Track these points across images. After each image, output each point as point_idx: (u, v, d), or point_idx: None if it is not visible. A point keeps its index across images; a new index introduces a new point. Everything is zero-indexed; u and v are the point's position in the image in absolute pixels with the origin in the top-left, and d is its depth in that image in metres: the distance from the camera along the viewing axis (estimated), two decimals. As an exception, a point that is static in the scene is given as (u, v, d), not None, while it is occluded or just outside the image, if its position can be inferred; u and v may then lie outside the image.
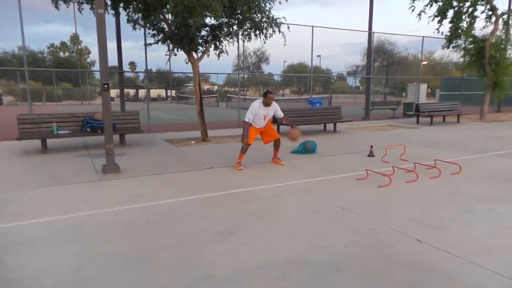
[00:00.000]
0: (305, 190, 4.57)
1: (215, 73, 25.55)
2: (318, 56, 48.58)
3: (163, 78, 44.77)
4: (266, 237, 3.16)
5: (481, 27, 27.23)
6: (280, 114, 6.00)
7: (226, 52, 9.01)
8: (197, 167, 5.88)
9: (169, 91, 45.76)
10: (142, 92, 44.40)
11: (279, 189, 4.62)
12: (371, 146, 6.95)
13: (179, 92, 44.84)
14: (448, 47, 14.58)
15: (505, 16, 13.97)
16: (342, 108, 11.40)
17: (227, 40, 8.79)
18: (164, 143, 8.44)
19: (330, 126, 11.15)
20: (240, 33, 8.53)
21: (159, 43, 8.39)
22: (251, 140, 5.86)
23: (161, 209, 3.86)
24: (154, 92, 45.63)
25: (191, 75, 8.99)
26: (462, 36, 13.93)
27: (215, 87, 47.25)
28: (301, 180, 5.04)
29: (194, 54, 8.45)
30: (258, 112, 5.78)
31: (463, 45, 14.67)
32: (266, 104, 5.80)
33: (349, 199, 4.21)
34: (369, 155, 6.80)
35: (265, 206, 3.96)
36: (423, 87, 25.06)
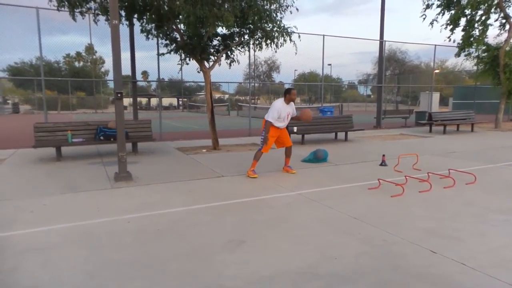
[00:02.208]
0: (316, 199, 4.54)
1: (226, 82, 25.75)
2: (329, 65, 48.64)
3: (175, 87, 45.31)
4: (277, 247, 3.13)
5: (495, 35, 26.90)
6: (295, 113, 6.05)
7: (238, 61, 9.08)
8: (208, 176, 5.89)
9: (180, 99, 46.24)
10: (154, 101, 44.91)
11: (290, 198, 4.59)
12: (383, 155, 6.87)
13: (191, 101, 45.25)
14: (459, 55, 14.43)
15: (519, 24, 13.78)
16: (353, 116, 11.32)
17: (239, 49, 8.87)
18: (175, 151, 8.49)
19: (341, 135, 11.09)
20: (251, 43, 8.60)
21: (172, 52, 8.51)
22: (269, 147, 5.82)
23: (172, 217, 3.87)
24: (166, 101, 46.14)
25: (203, 84, 9.09)
26: (474, 44, 13.77)
27: (226, 96, 47.57)
28: (312, 189, 5.01)
29: (205, 63, 8.53)
30: (281, 111, 5.74)
31: (476, 53, 14.50)
32: (289, 100, 5.80)
33: (361, 209, 4.16)
34: (381, 164, 6.73)
35: (276, 215, 3.94)
36: (436, 96, 24.79)
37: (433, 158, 7.49)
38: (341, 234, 3.42)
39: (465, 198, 4.59)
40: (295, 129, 9.39)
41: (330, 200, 4.49)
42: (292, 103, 5.90)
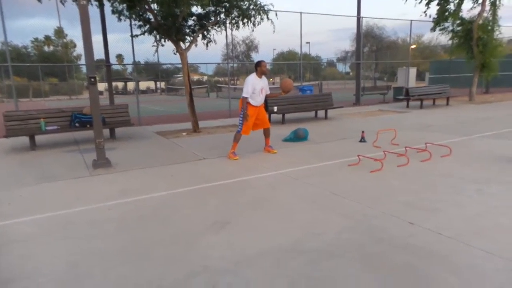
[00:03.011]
0: (298, 177, 4.59)
1: (204, 63, 25.33)
2: (307, 43, 48.24)
3: (152, 70, 44.19)
4: (261, 226, 3.17)
5: (468, 8, 27.26)
6: (268, 90, 5.98)
7: (214, 41, 8.90)
8: (189, 159, 5.85)
9: (158, 83, 45.29)
10: (130, 85, 43.85)
11: (272, 178, 4.62)
12: (363, 132, 6.98)
13: (169, 84, 44.42)
14: (434, 30, 14.59)
15: (492, -3, 14.00)
16: (333, 94, 11.39)
17: (215, 29, 8.69)
18: (155, 136, 8.37)
19: (321, 113, 11.17)
20: (227, 22, 8.42)
21: (146, 34, 8.25)
22: (249, 128, 5.77)
23: (154, 203, 3.85)
24: (143, 85, 45.13)
25: (180, 66, 8.89)
26: (449, 18, 13.93)
27: (205, 78, 46.88)
28: (294, 168, 5.05)
29: (181, 44, 8.33)
30: (255, 85, 5.66)
31: (451, 28, 14.69)
32: (261, 73, 5.73)
33: (342, 185, 4.24)
34: (360, 141, 6.83)
35: (259, 196, 3.96)
36: (413, 71, 25.13)
37: (410, 133, 7.66)
38: (323, 210, 3.48)
39: (441, 171, 4.74)
40: (275, 108, 9.39)
41: (312, 178, 4.55)
42: (264, 78, 5.84)
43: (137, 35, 8.39)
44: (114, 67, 40.40)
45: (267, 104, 9.53)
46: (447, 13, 13.86)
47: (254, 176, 4.71)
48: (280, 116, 9.89)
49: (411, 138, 6.95)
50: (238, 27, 8.34)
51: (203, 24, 8.41)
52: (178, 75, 48.71)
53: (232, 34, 40.11)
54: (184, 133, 8.50)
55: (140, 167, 5.42)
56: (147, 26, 8.20)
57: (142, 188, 4.37)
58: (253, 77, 5.72)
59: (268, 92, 6.00)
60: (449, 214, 3.32)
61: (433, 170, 4.76)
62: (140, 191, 4.23)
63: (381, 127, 8.02)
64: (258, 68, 5.72)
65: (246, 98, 5.65)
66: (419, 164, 5.07)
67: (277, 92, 6.13)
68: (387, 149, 5.86)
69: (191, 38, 8.44)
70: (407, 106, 13.24)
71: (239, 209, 3.58)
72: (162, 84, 44.72)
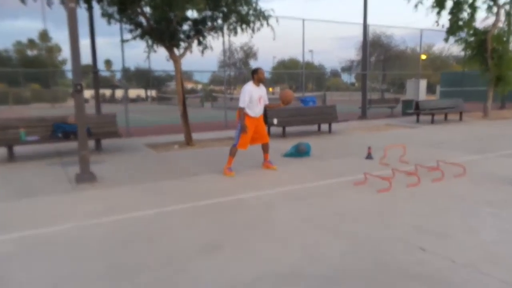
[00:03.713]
0: (299, 197, 4.59)
1: (199, 71, 25.58)
2: (310, 51, 48.95)
3: (142, 77, 44.50)
4: (258, 250, 3.15)
5: (481, 18, 27.77)
6: (267, 100, 6.01)
7: (211, 47, 9.00)
8: (181, 175, 5.85)
9: (148, 91, 45.51)
10: (119, 93, 44.01)
11: (270, 197, 4.62)
12: (369, 148, 7.01)
13: (160, 92, 44.62)
14: (447, 40, 14.79)
15: (507, 7, 14.27)
16: (337, 106, 11.48)
17: (212, 34, 8.79)
18: (144, 149, 8.38)
19: (324, 127, 11.22)
20: (225, 27, 8.54)
21: (137, 39, 8.34)
22: (246, 142, 5.78)
23: (142, 222, 3.83)
24: (132, 93, 45.28)
25: (173, 73, 8.97)
26: (464, 28, 14.14)
27: (199, 86, 47.19)
28: (294, 186, 5.05)
29: (175, 50, 8.42)
30: (253, 94, 5.68)
31: (465, 38, 14.89)
32: (259, 80, 5.77)
33: (347, 205, 4.24)
34: (367, 157, 6.86)
35: (256, 216, 3.96)
36: (423, 83, 25.43)
37: (421, 150, 7.70)
38: (326, 233, 3.47)
39: (454, 192, 4.75)
40: (275, 121, 9.44)
41: (314, 197, 4.55)
42: (262, 86, 5.89)
43: (127, 40, 8.49)
44: (102, 73, 40.67)
45: (266, 116, 9.59)
46: (461, 23, 14.07)
47: (251, 195, 4.71)
48: (281, 129, 9.94)
49: (421, 156, 6.98)
50: (236, 33, 8.45)
51: (199, 29, 8.52)
52: (171, 83, 49.02)
53: (229, 40, 40.66)
54: (176, 146, 8.51)
55: (128, 182, 5.41)
56: (139, 30, 8.29)
57: (129, 205, 4.36)
58: (250, 85, 5.76)
59: (267, 102, 6.03)
60: (463, 239, 3.32)
61: (446, 191, 4.77)
62: (127, 209, 4.21)
63: (389, 143, 8.06)
64: (255, 75, 5.76)
65: (243, 108, 5.68)
66: (430, 184, 5.08)
67: (277, 103, 6.18)
68: (395, 167, 5.89)
69: (186, 44, 8.54)
70: (417, 121, 13.34)
71: (233, 231, 3.57)
72: (153, 93, 44.94)
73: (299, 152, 7.11)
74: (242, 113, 5.69)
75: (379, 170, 5.89)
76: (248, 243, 3.28)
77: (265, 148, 6.14)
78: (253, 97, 5.69)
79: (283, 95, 5.91)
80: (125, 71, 11.39)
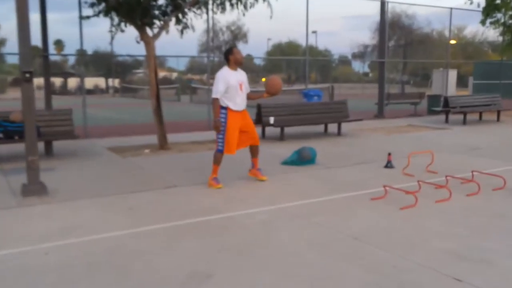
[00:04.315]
0: (304, 215, 4.61)
1: (174, 56, 25.41)
2: (313, 32, 49.25)
3: (102, 63, 44.29)
4: (254, 281, 3.16)
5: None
6: (249, 89, 6.03)
7: (192, 27, 9.03)
8: (155, 186, 5.84)
9: (110, 80, 45.33)
10: (72, 82, 43.76)
11: (268, 215, 4.63)
12: (389, 154, 7.08)
13: (124, 82, 44.46)
14: (484, 23, 15.02)
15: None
16: (348, 102, 11.58)
17: (194, 11, 8.83)
18: (107, 153, 8.34)
19: (333, 127, 11.28)
20: (211, 2, 8.58)
21: (101, 15, 8.32)
22: (233, 144, 5.77)
23: (108, 245, 3.82)
24: (89, 82, 45.02)
25: (141, 58, 8.98)
26: (502, 8, 14.38)
27: (174, 75, 47.15)
28: (297, 201, 5.08)
29: (148, 30, 8.43)
30: (229, 79, 5.66)
31: (503, 20, 15.15)
32: (236, 62, 5.77)
33: (363, 226, 4.28)
34: (386, 166, 6.91)
35: (251, 239, 3.97)
36: (452, 75, 25.74)
37: (452, 157, 7.79)
38: (339, 261, 3.50)
39: (493, 209, 4.82)
40: (271, 120, 9.49)
41: (322, 216, 4.57)
42: (241, 71, 5.91)
43: (88, 17, 8.47)
44: (51, 57, 40.33)
45: (260, 115, 9.63)
46: (498, 1, 14.31)
47: (243, 212, 4.72)
48: (278, 130, 9.99)
49: (452, 164, 7.07)
50: (224, 9, 8.51)
51: (178, 4, 8.54)
52: (138, 71, 48.89)
53: (213, 18, 40.71)
54: (147, 150, 8.49)
55: (88, 195, 5.38)
56: (103, 4, 8.27)
57: (90, 225, 4.33)
58: (224, 70, 5.77)
59: (248, 91, 6.03)
60: (505, 267, 3.38)
61: (483, 208, 4.84)
62: (88, 230, 4.19)
63: (413, 149, 8.15)
64: (230, 56, 5.75)
65: (217, 99, 5.67)
66: (464, 200, 5.16)
67: (260, 93, 6.23)
68: (422, 179, 5.95)
69: (162, 22, 8.55)
70: (446, 121, 13.50)
71: (224, 257, 3.58)
72: (115, 82, 44.77)
73: (302, 159, 7.14)
74: (214, 104, 5.71)
75: (402, 181, 5.94)
76: (243, 273, 3.29)
77: (254, 151, 6.11)
78: (231, 84, 5.66)
79: (270, 83, 5.96)
80: (81, 55, 11.33)
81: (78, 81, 41.85)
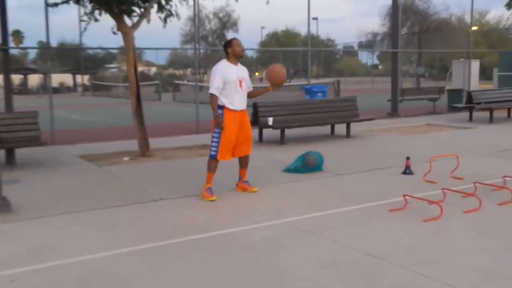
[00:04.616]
0: (313, 230, 4.61)
1: (154, 48, 25.34)
2: (314, 19, 49.51)
3: (69, 57, 44.08)
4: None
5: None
6: (251, 86, 6.10)
7: (177, 15, 9.06)
8: (138, 199, 5.81)
9: (78, 76, 45.12)
10: (34, 79, 43.53)
11: (272, 230, 4.63)
12: (407, 159, 7.10)
13: (95, 79, 44.31)
14: (510, 7, 15.16)
15: None
16: (357, 98, 11.61)
17: (179, -3, 8.87)
18: (79, 162, 8.31)
19: (340, 128, 11.31)
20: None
21: (71, 2, 8.32)
22: (228, 149, 5.79)
23: (86, 271, 3.79)
24: (54, 79, 44.92)
25: (114, 51, 9.00)
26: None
27: (153, 69, 47.09)
28: (304, 215, 5.08)
29: (127, 19, 8.44)
30: (227, 74, 5.71)
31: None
32: (235, 55, 5.84)
33: (382, 242, 4.28)
34: (404, 172, 6.93)
35: (253, 259, 3.95)
36: (475, 66, 25.87)
37: (479, 160, 7.84)
38: (356, 284, 3.50)
39: (532, 219, 4.86)
40: (270, 121, 9.49)
41: (334, 231, 4.57)
42: (243, 67, 5.99)
43: (56, 4, 8.45)
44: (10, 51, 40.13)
45: (257, 115, 9.62)
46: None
47: (243, 228, 4.71)
48: (278, 132, 9.99)
49: (480, 169, 7.10)
50: (213, -7, 8.54)
51: (161, -11, 8.57)
52: (111, 65, 48.75)
53: (198, 4, 40.69)
54: (126, 158, 8.47)
55: (59, 211, 5.34)
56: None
57: (64, 246, 4.30)
58: (223, 63, 5.83)
59: (251, 88, 6.10)
60: (550, 288, 3.40)
61: (519, 219, 4.87)
62: (62, 252, 4.15)
63: (434, 152, 8.17)
64: (229, 49, 5.83)
65: (214, 96, 5.71)
66: (496, 209, 5.19)
67: (263, 88, 6.28)
68: (446, 186, 5.97)
69: (142, 10, 8.55)
70: (470, 119, 13.58)
71: (223, 282, 3.56)
72: (85, 79, 44.61)
73: (307, 165, 7.15)
74: (213, 101, 5.74)
75: (423, 190, 5.96)
76: (245, 299, 3.29)
77: (244, 161, 6.12)
78: (230, 80, 5.72)
79: (271, 72, 5.98)
80: (46, 48, 11.29)
81: (41, 78, 41.82)
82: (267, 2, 9.03)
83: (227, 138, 5.73)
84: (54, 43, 39.48)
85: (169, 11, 8.85)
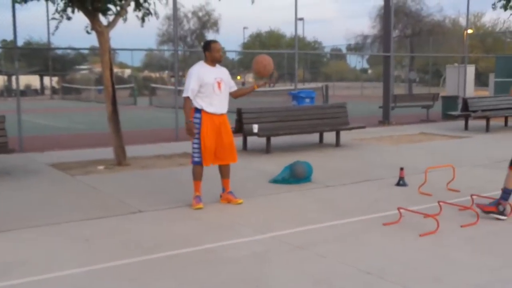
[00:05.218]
0: (303, 245, 4.63)
1: (129, 49, 25.15)
2: (300, 19, 49.77)
3: (35, 57, 43.68)
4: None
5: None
6: (233, 85, 6.18)
7: (156, 13, 9.07)
8: (115, 212, 5.80)
9: (46, 78, 44.74)
10: (-4, 81, 43.09)
11: (260, 245, 4.64)
12: (401, 169, 7.17)
13: (65, 81, 43.99)
14: (506, 8, 15.42)
15: None
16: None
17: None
18: (50, 171, 8.26)
19: (329, 137, 11.39)
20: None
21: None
22: (210, 156, 5.84)
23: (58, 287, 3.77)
24: (20, 81, 44.56)
25: (85, 51, 9.00)
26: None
27: (128, 72, 46.85)
28: (293, 229, 5.10)
29: (102, 17, 8.43)
30: (203, 76, 5.77)
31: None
32: (214, 59, 5.90)
33: (376, 257, 4.32)
34: (398, 184, 7.00)
35: (240, 275, 3.97)
36: (470, 71, 26.20)
37: (475, 171, 7.95)
38: (350, 300, 3.53)
39: (531, 234, 4.94)
40: (255, 128, 9.52)
41: (326, 246, 4.60)
42: (222, 68, 6.05)
43: (25, 0, 8.41)
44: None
45: (241, 122, 9.64)
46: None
47: (228, 242, 4.71)
48: (263, 140, 10.02)
49: (477, 181, 7.21)
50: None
51: (139, -14, 8.59)
52: (82, 67, 48.42)
53: (176, 2, 40.52)
54: (101, 167, 8.43)
55: (30, 224, 5.31)
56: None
57: (36, 261, 4.27)
58: (199, 65, 5.91)
59: (234, 88, 6.18)
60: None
61: (518, 234, 4.95)
62: (34, 267, 4.13)
63: (428, 162, 8.27)
64: (207, 53, 5.89)
65: (189, 99, 5.78)
66: (494, 223, 5.26)
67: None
68: (442, 199, 6.05)
69: (118, 8, 8.55)
70: (466, 127, 13.75)
71: (209, 299, 3.58)
72: (53, 81, 44.25)
73: (295, 176, 7.17)
74: (187, 107, 5.81)
75: (418, 202, 6.03)
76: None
77: (224, 171, 6.14)
78: (206, 82, 5.77)
79: (258, 62, 6.02)
80: (11, 48, 11.21)
81: (4, 80, 41.37)
82: (252, 2, 9.07)
83: (206, 143, 5.79)
84: (20, 42, 39.14)
85: (147, 9, 8.85)
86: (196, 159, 5.88)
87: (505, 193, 5.51)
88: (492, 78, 30.91)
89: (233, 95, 6.18)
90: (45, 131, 14.91)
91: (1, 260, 4.33)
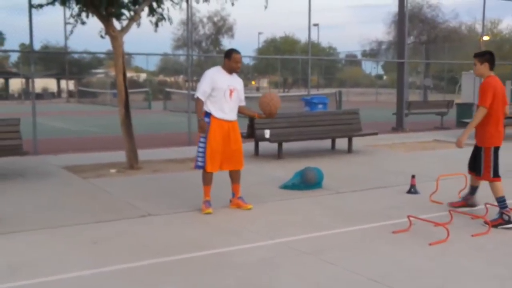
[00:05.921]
0: (312, 252, 4.62)
1: (143, 54, 25.39)
2: (314, 25, 49.77)
3: (53, 61, 44.06)
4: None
5: None
6: (243, 100, 6.19)
7: (169, 19, 9.11)
8: (125, 215, 5.83)
9: (63, 81, 45.14)
10: (15, 84, 43.52)
11: (267, 251, 4.64)
12: (413, 177, 7.13)
13: (81, 84, 44.32)
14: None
15: None
16: (360, 111, 11.66)
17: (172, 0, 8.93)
18: (63, 173, 8.31)
19: (342, 143, 11.35)
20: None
21: (57, 3, 8.36)
22: (215, 161, 5.86)
23: (69, 290, 3.78)
24: (36, 84, 44.96)
25: (102, 55, 9.04)
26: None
27: (143, 76, 47.08)
28: (302, 235, 5.09)
29: (116, 22, 8.50)
30: (217, 80, 5.80)
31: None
32: (231, 69, 5.92)
33: (385, 265, 4.30)
34: (409, 191, 6.97)
35: (248, 281, 3.96)
36: (486, 78, 25.92)
37: (488, 180, 7.86)
38: (357, 308, 3.51)
39: (544, 244, 4.88)
40: (267, 133, 9.51)
41: (334, 253, 4.59)
42: (237, 77, 6.08)
43: (41, 5, 8.49)
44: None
45: (253, 128, 9.64)
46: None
47: (237, 248, 4.72)
48: (275, 146, 10.02)
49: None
50: (208, -3, 8.62)
51: (153, -9, 8.64)
52: (98, 70, 48.76)
53: (190, 8, 40.74)
54: (113, 170, 8.48)
55: (41, 226, 5.34)
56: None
57: (45, 263, 4.30)
58: (215, 69, 5.94)
59: (243, 103, 6.19)
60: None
61: (530, 244, 4.90)
62: (42, 269, 4.15)
63: (441, 170, 8.21)
64: (226, 60, 5.92)
65: (201, 101, 5.79)
66: (506, 233, 5.21)
67: (252, 111, 6.46)
68: (454, 207, 6.02)
69: (132, 13, 8.61)
70: (480, 135, 13.61)
71: (215, 304, 3.57)
72: (69, 84, 44.63)
73: (306, 182, 7.16)
74: (199, 107, 5.81)
75: (429, 211, 6.00)
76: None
77: (235, 176, 6.15)
78: (219, 87, 5.79)
79: (265, 101, 6.03)
80: (29, 51, 11.34)
81: (23, 82, 41.80)
82: (265, 7, 9.09)
83: (212, 147, 5.80)
84: (37, 46, 39.50)
85: (161, 14, 8.90)
86: (200, 164, 5.92)
87: (500, 202, 5.55)
88: (509, 86, 30.70)
89: (242, 112, 6.23)
90: (60, 134, 15.04)
91: (10, 261, 4.36)
